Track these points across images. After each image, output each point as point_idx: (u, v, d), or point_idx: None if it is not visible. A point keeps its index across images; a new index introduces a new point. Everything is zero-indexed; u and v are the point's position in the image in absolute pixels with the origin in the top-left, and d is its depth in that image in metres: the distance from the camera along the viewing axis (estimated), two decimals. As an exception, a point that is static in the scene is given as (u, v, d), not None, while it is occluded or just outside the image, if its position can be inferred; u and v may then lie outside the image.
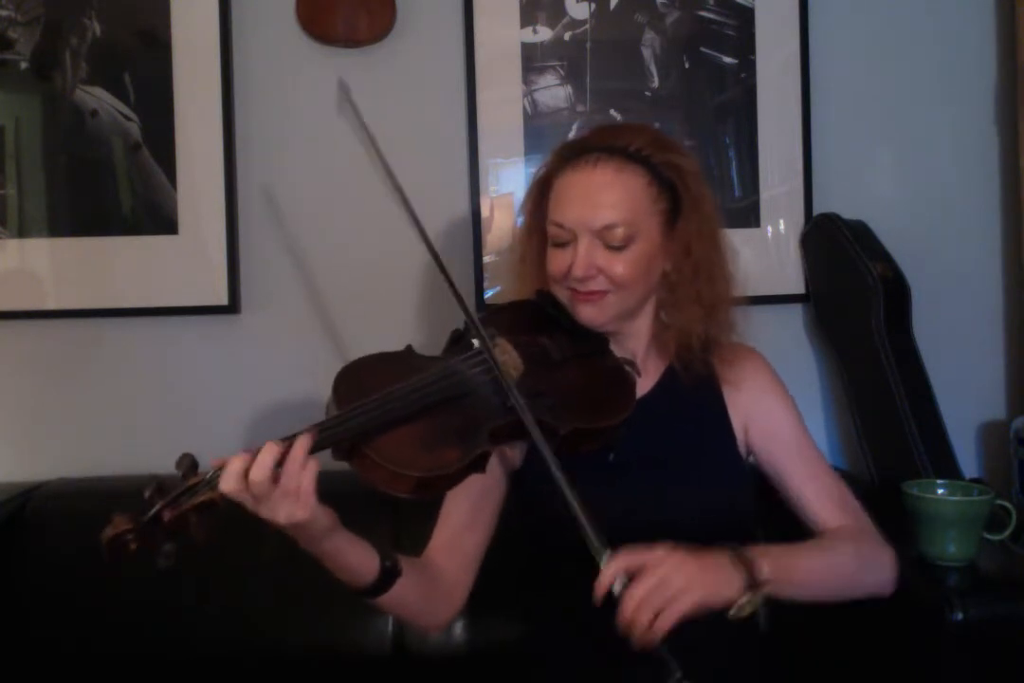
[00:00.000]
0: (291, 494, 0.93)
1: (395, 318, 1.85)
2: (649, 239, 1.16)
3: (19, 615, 1.56)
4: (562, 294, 1.20)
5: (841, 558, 1.13)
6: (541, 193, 1.23)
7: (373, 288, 1.86)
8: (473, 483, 1.07)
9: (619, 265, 1.14)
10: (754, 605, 1.00)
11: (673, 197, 1.18)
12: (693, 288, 1.21)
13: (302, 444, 0.93)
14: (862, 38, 1.89)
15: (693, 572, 0.96)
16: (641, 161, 1.16)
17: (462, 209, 1.86)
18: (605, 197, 1.14)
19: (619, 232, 1.14)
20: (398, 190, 1.12)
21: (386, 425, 0.98)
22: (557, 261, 1.18)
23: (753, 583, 1.00)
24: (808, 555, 1.11)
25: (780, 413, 1.26)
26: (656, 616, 0.94)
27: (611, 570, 0.95)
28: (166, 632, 1.55)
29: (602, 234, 1.14)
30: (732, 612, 1.00)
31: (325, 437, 0.96)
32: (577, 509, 0.96)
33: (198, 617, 1.55)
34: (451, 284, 1.13)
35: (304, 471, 0.93)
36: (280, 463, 0.93)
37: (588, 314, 1.18)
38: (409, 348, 1.15)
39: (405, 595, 1.10)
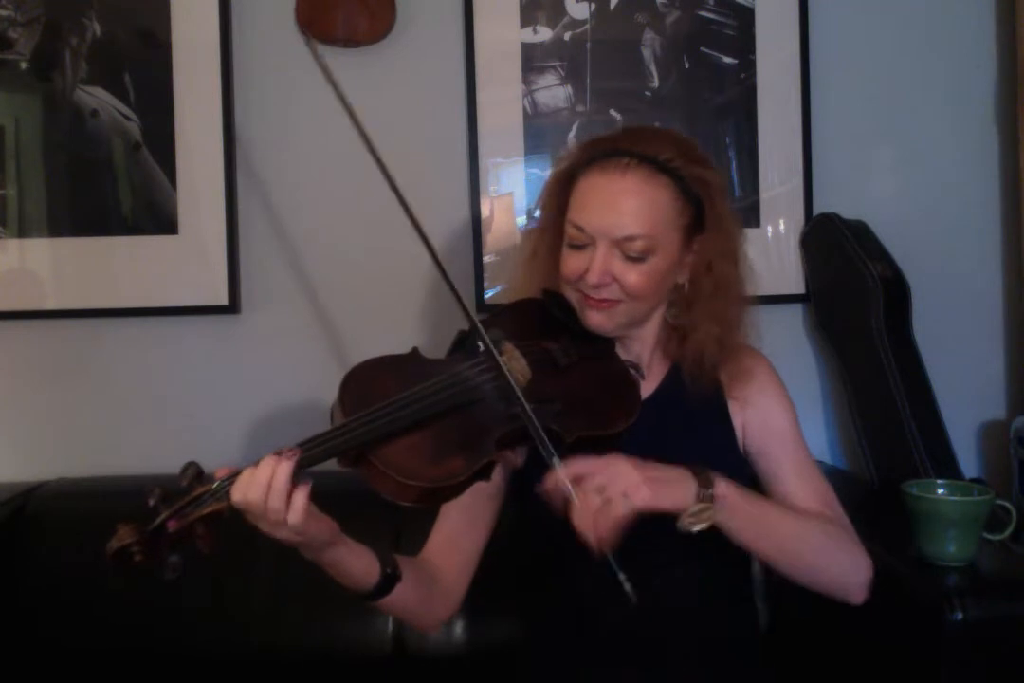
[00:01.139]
0: (282, 522, 0.93)
1: (396, 318, 1.85)
2: (667, 253, 1.14)
3: (19, 615, 1.56)
4: (572, 295, 1.18)
5: (806, 524, 1.13)
6: (562, 188, 1.20)
7: (373, 287, 1.86)
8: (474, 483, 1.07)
9: (634, 276, 1.13)
10: (705, 519, 1.02)
11: (696, 212, 1.16)
12: (711, 306, 1.19)
13: (283, 471, 0.92)
14: (862, 38, 1.89)
15: (640, 475, 0.99)
16: (670, 173, 1.13)
17: (462, 209, 1.86)
18: (630, 207, 1.12)
19: (639, 244, 1.12)
20: (395, 190, 1.08)
21: (392, 434, 0.97)
22: (572, 263, 1.16)
23: (705, 496, 1.02)
24: (772, 505, 1.13)
25: (779, 415, 1.26)
26: (601, 518, 0.96)
27: (560, 474, 0.98)
28: (165, 632, 1.55)
29: (622, 244, 1.12)
30: (681, 521, 1.02)
31: (329, 447, 0.95)
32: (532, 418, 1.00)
33: (198, 617, 1.55)
34: (456, 295, 1.08)
35: (292, 500, 0.93)
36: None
37: (597, 320, 1.16)
38: (415, 351, 1.12)
39: (404, 597, 1.10)
